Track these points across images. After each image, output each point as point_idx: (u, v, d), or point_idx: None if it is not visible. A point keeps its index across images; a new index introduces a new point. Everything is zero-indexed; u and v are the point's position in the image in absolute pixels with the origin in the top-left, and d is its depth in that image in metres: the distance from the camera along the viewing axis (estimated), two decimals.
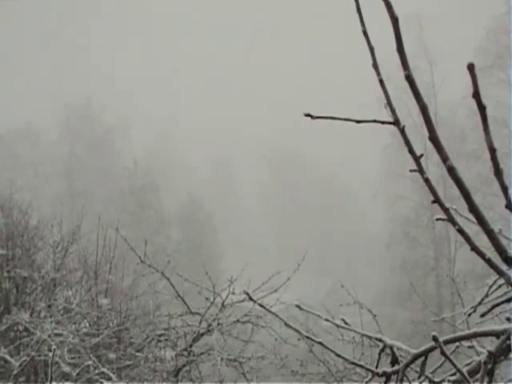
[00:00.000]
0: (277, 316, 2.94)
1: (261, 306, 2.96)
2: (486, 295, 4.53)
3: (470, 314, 4.78)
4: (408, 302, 31.88)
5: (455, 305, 27.17)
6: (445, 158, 2.19)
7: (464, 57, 33.23)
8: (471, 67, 1.85)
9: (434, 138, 2.21)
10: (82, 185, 61.37)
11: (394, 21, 2.17)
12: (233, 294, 11.17)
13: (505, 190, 2.11)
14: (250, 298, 2.96)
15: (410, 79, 2.18)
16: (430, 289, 34.73)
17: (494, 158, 2.01)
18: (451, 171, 2.16)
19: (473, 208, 2.20)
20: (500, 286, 4.40)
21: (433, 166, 29.66)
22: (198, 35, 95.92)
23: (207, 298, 11.37)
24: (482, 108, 1.96)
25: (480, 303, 4.63)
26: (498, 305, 2.74)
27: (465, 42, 37.40)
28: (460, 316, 5.15)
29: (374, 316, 7.72)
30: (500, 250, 2.23)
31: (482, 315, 3.06)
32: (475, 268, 24.80)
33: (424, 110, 2.19)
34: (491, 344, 2.92)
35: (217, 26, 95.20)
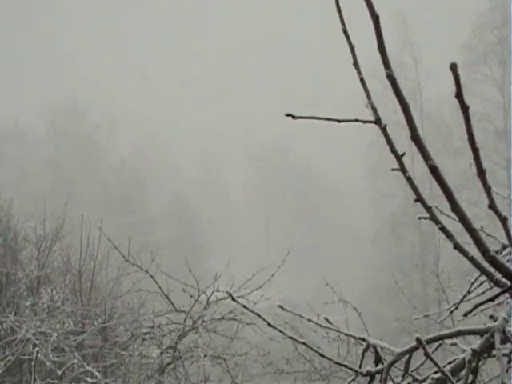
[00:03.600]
0: (260, 316, 2.91)
1: (243, 306, 2.94)
2: (468, 292, 4.53)
3: (452, 312, 4.79)
4: (394, 298, 31.91)
5: (441, 301, 27.27)
6: (427, 158, 2.17)
7: (449, 53, 33.42)
8: (454, 67, 1.82)
9: (415, 137, 2.19)
10: (67, 183, 61.08)
11: (375, 19, 2.15)
12: (217, 291, 11.16)
13: (488, 190, 2.09)
14: (233, 299, 2.93)
15: (391, 78, 2.16)
16: (417, 285, 34.83)
17: (476, 158, 1.99)
18: (433, 170, 2.15)
19: (455, 207, 2.19)
20: (482, 282, 4.40)
21: (419, 162, 29.73)
22: (185, 35, 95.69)
23: (191, 296, 11.35)
24: (465, 109, 1.94)
25: (462, 300, 4.64)
26: (480, 304, 2.74)
27: (450, 39, 37.56)
28: (445, 313, 5.16)
29: (359, 314, 7.72)
30: (483, 250, 2.21)
31: (465, 314, 3.05)
32: (461, 264, 24.89)
33: (405, 108, 2.17)
34: (475, 340, 2.92)
35: (205, 26, 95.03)
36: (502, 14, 31.06)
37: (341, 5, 2.35)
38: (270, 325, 2.86)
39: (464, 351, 3.50)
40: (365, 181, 41.86)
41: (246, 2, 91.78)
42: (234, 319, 11.26)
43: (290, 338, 2.93)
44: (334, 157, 72.43)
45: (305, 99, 61.49)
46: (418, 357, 3.55)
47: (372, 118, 2.48)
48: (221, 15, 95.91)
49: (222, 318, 11.20)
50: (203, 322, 11.11)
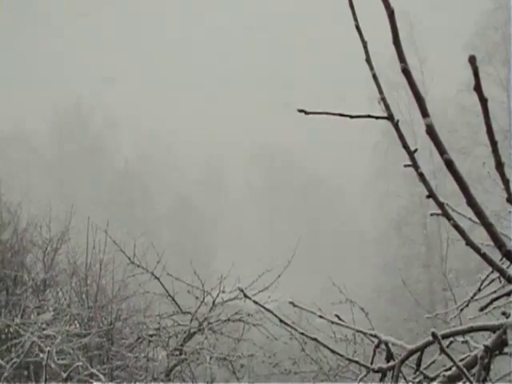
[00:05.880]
0: (272, 313, 2.91)
1: (255, 302, 2.94)
2: (479, 290, 4.51)
3: (462, 309, 4.77)
4: (400, 299, 31.79)
5: (448, 301, 27.16)
6: (442, 152, 2.16)
7: (453, 53, 33.34)
8: (473, 59, 1.82)
9: (430, 131, 2.18)
10: (71, 186, 61.13)
11: (390, 13, 2.14)
12: (223, 292, 11.15)
13: (506, 183, 2.08)
14: (245, 295, 2.93)
15: (406, 72, 2.15)
16: (423, 286, 34.64)
17: (495, 151, 1.99)
18: (449, 164, 2.14)
19: (471, 201, 2.18)
20: (492, 280, 4.38)
21: (423, 163, 29.62)
22: (184, 35, 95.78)
23: (197, 297, 11.34)
24: (483, 101, 1.93)
25: (472, 298, 4.62)
26: (496, 299, 2.72)
27: (453, 39, 37.50)
28: (453, 313, 5.13)
29: (367, 314, 7.69)
30: (499, 244, 2.20)
31: (481, 309, 3.04)
32: (467, 265, 24.81)
33: (421, 102, 2.16)
34: (484, 340, 2.91)
35: (206, 27, 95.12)
36: (506, 13, 30.98)
37: (351, 2, 2.34)
38: (281, 321, 2.86)
39: (473, 349, 3.50)
40: (369, 181, 41.74)
41: (243, 2, 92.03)
42: (240, 320, 11.24)
43: (302, 334, 2.94)
44: (337, 158, 72.30)
45: (308, 99, 61.42)
46: (428, 356, 3.54)
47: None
48: (219, 16, 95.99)
49: (228, 319, 11.18)
50: (209, 323, 11.10)
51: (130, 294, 12.16)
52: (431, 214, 3.04)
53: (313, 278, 57.70)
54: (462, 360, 3.18)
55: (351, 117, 2.65)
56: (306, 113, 2.59)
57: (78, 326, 11.25)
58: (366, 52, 2.42)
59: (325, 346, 3.08)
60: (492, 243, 2.26)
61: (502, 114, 30.47)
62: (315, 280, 56.09)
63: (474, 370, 2.89)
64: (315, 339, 3.04)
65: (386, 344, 3.06)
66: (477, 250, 2.42)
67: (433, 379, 3.37)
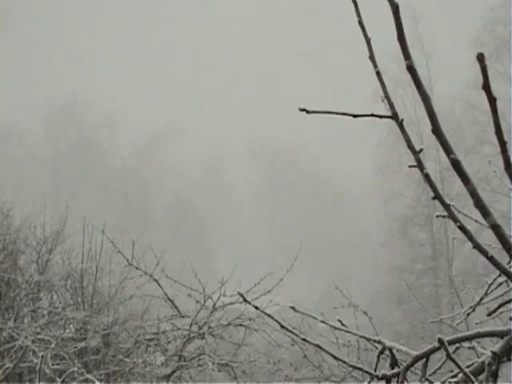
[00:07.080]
0: (273, 318, 2.83)
1: (256, 308, 2.86)
2: (486, 294, 4.43)
3: (468, 314, 4.69)
4: (405, 302, 31.43)
5: (454, 305, 26.84)
6: (449, 152, 2.09)
7: (459, 49, 33.12)
8: (481, 57, 1.75)
9: (436, 130, 2.11)
10: (68, 185, 60.87)
11: (395, 8, 2.08)
12: (224, 296, 11.04)
13: None
14: (245, 300, 2.84)
15: (411, 69, 2.09)
16: (428, 289, 34.26)
17: (504, 152, 1.92)
18: (456, 165, 2.07)
19: (479, 203, 2.11)
20: (500, 284, 4.30)
21: (429, 162, 29.35)
22: (184, 35, 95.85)
23: (197, 301, 11.21)
24: (492, 100, 1.86)
25: (479, 303, 4.54)
26: (504, 304, 2.64)
27: (459, 35, 37.30)
28: (459, 317, 5.05)
29: (370, 318, 7.59)
30: (507, 247, 2.14)
31: (489, 314, 2.95)
32: (474, 267, 24.50)
33: (426, 100, 2.10)
34: (492, 346, 2.84)
35: (204, 25, 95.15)
36: None
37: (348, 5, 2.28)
38: (282, 327, 2.78)
39: (480, 355, 3.42)
40: (373, 181, 41.27)
41: (242, 2, 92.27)
42: (241, 325, 11.12)
43: (304, 340, 2.86)
44: (339, 156, 72.02)
45: (310, 99, 61.25)
46: (434, 362, 3.46)
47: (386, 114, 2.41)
48: (220, 16, 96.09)
49: (229, 323, 11.07)
50: (209, 327, 10.98)
51: (127, 297, 12.03)
52: (437, 216, 2.96)
53: (315, 280, 57.53)
54: (468, 366, 3.10)
55: (354, 116, 2.59)
56: (308, 112, 2.52)
57: (73, 329, 11.12)
58: (370, 49, 2.36)
59: (328, 352, 3.00)
60: (499, 245, 2.20)
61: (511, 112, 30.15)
62: (317, 282, 55.93)
63: (481, 377, 2.83)
64: (318, 345, 2.97)
65: (391, 350, 2.99)
66: (484, 252, 2.36)
67: None
